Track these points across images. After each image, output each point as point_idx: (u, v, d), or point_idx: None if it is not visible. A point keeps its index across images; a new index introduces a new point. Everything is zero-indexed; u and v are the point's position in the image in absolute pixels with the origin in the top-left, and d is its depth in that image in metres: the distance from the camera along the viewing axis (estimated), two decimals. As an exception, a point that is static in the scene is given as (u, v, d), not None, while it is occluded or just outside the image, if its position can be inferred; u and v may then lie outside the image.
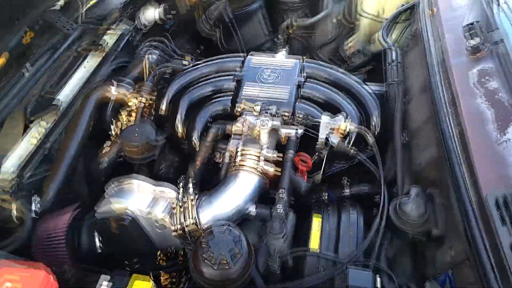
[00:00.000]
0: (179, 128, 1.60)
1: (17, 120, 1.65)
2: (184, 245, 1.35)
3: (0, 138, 1.59)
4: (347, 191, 1.53)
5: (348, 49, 2.36)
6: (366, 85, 1.70)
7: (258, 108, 1.43)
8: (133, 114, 1.78)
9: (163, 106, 1.67)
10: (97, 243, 1.44)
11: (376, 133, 1.57)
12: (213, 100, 1.60)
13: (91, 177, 1.77)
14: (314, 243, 1.30)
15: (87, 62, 1.92)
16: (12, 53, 1.67)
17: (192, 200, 1.29)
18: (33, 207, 1.43)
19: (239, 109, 1.51)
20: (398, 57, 1.83)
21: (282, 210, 1.22)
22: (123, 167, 1.71)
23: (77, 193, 1.78)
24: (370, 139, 1.37)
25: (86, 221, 1.45)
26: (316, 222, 1.34)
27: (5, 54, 1.64)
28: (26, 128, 1.63)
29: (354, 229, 1.31)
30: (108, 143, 1.72)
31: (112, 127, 1.85)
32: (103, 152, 1.77)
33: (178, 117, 1.60)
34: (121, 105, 1.86)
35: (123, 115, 1.82)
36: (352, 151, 1.38)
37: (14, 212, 1.40)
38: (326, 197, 1.56)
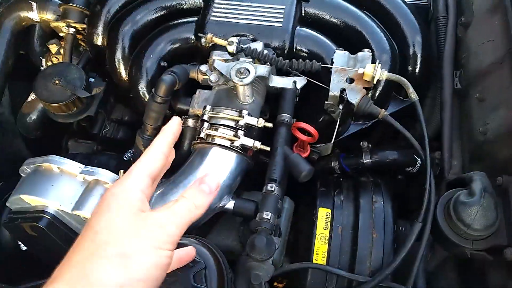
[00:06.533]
0: (121, 70, 1.08)
1: None
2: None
3: None
4: (367, 159, 1.07)
5: None
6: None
7: (233, 46, 0.89)
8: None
9: (98, 36, 1.13)
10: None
11: (416, 71, 1.05)
12: (168, 27, 1.05)
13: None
14: (319, 251, 0.89)
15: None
16: None
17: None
18: None
19: (206, 44, 0.97)
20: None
21: (269, 218, 0.78)
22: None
23: (14, 154, 1.37)
24: (413, 95, 0.87)
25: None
26: (322, 221, 0.91)
27: None
28: None
29: (380, 232, 0.88)
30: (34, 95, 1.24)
31: (43, 62, 1.36)
32: (28, 100, 1.30)
33: (118, 54, 1.06)
34: (53, 31, 1.33)
35: (52, 49, 1.30)
36: (382, 113, 0.88)
37: None
38: (337, 166, 1.12)
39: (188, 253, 0.67)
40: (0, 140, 1.34)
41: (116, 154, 1.12)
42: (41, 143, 1.35)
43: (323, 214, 0.92)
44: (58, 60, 1.27)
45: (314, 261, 0.88)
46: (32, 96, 1.27)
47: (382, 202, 0.92)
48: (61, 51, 1.25)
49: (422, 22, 1.07)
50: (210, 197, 0.54)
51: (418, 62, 1.04)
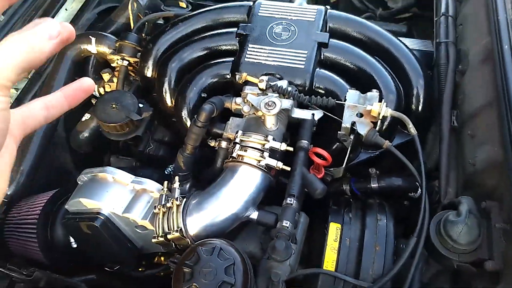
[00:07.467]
0: (167, 99, 1.28)
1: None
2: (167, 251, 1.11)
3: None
4: (374, 184, 1.23)
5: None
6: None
7: (263, 84, 1.09)
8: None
9: (148, 69, 1.34)
10: (71, 239, 1.23)
11: (419, 109, 1.22)
12: (209, 65, 1.25)
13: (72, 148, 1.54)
14: (329, 260, 1.03)
15: (70, 3, 1.58)
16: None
17: (177, 204, 1.02)
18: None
19: (240, 80, 1.17)
20: (450, 7, 1.41)
21: (288, 226, 0.94)
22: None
23: (61, 166, 1.57)
24: (412, 130, 1.03)
25: (62, 209, 1.24)
26: (332, 234, 1.06)
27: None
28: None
29: (382, 245, 1.03)
30: (88, 115, 1.45)
31: (95, 88, 1.58)
32: (82, 120, 1.50)
33: (166, 85, 1.27)
34: (106, 62, 1.55)
35: (105, 77, 1.52)
36: (386, 144, 1.05)
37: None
38: (348, 189, 1.27)
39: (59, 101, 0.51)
40: (52, 153, 1.54)
41: (158, 169, 1.31)
42: (85, 158, 1.55)
43: (333, 228, 1.07)
44: (110, 87, 1.49)
45: (324, 268, 1.03)
46: (86, 117, 1.48)
47: (385, 221, 1.07)
48: (114, 79, 1.47)
49: (425, 67, 1.25)
50: (49, 43, 0.44)
51: (421, 102, 1.21)
